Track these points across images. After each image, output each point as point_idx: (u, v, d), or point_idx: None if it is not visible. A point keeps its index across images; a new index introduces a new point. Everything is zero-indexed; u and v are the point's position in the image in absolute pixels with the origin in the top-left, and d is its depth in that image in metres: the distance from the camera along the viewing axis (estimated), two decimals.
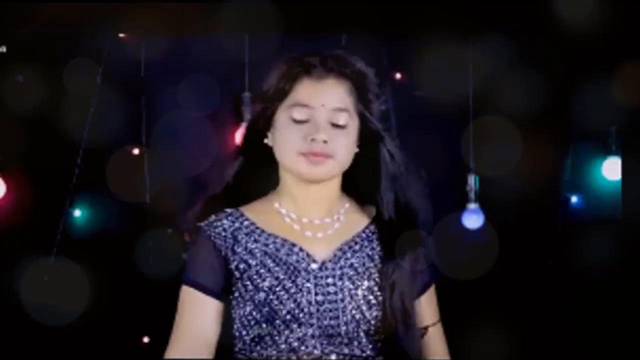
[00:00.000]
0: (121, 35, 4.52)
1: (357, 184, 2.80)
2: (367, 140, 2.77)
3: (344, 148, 2.69)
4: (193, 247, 2.70)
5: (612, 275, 3.83)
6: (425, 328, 2.76)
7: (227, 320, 2.75)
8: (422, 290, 2.79)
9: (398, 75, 4.61)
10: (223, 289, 2.70)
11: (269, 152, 2.74)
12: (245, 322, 2.70)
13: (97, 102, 4.54)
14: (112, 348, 4.54)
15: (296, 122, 2.69)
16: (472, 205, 4.56)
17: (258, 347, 2.70)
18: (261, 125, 2.76)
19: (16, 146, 4.51)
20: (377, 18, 4.08)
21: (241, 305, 2.70)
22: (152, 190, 4.59)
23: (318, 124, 2.68)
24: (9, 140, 4.52)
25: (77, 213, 4.68)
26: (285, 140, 2.69)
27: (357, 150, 2.76)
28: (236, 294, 2.71)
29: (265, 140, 2.72)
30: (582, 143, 4.59)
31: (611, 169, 4.51)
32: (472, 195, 4.55)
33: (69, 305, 4.40)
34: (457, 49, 4.44)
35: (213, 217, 2.72)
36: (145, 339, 4.68)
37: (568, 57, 4.22)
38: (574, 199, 4.66)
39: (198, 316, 2.69)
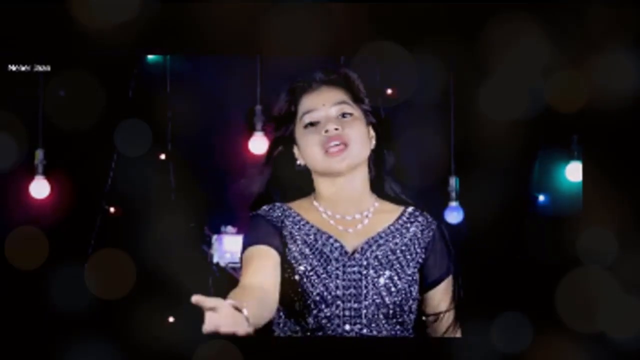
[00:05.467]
0: (150, 55, 4.55)
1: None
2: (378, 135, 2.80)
3: (357, 135, 2.73)
4: (251, 227, 2.74)
5: (573, 264, 3.74)
6: (437, 314, 2.79)
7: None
8: (440, 280, 2.81)
9: (389, 91, 4.62)
10: (280, 248, 2.73)
11: (300, 170, 2.81)
12: (283, 301, 2.73)
13: (128, 113, 4.54)
14: (142, 327, 4.50)
15: (309, 126, 2.74)
16: (453, 203, 4.60)
17: (291, 323, 2.74)
18: (284, 144, 2.81)
19: (59, 153, 4.53)
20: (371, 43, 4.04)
21: (280, 284, 2.73)
22: (177, 190, 4.58)
23: (327, 118, 2.73)
24: (53, 148, 4.54)
25: (112, 210, 4.65)
26: (307, 145, 2.74)
27: (373, 145, 2.79)
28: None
29: (298, 162, 2.78)
30: (549, 149, 4.58)
31: (573, 172, 4.54)
32: (453, 194, 4.59)
33: (105, 291, 4.38)
34: (440, 62, 4.45)
35: (265, 207, 2.79)
36: (171, 319, 4.64)
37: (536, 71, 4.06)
38: (541, 198, 4.64)
39: (263, 265, 2.69)
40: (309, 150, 2.75)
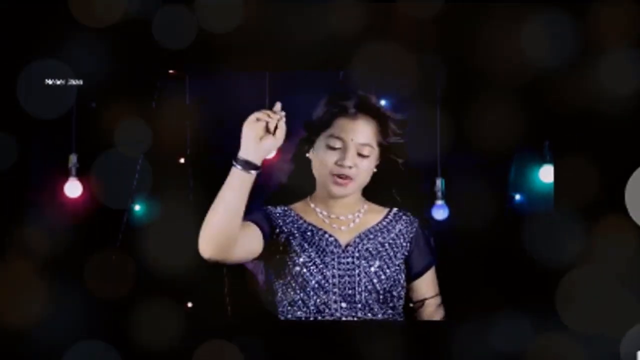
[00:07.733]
0: (171, 71, 4.63)
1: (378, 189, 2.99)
2: (385, 159, 2.97)
3: (365, 172, 2.93)
4: (249, 212, 2.85)
5: (546, 257, 3.58)
6: (422, 300, 2.94)
7: (270, 288, 2.97)
8: (424, 271, 3.00)
9: (383, 102, 4.57)
10: (267, 234, 2.88)
11: (308, 165, 2.93)
12: (285, 289, 2.92)
13: (152, 122, 4.64)
14: (161, 312, 4.24)
15: (331, 149, 2.90)
16: (439, 202, 4.71)
17: (293, 309, 2.91)
18: (307, 145, 2.96)
19: (90, 157, 4.60)
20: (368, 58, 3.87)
21: (282, 276, 2.92)
22: (194, 190, 4.66)
23: (347, 153, 2.90)
24: (85, 152, 4.66)
25: (137, 208, 4.74)
26: (322, 162, 2.91)
27: (375, 170, 2.93)
28: (279, 268, 2.94)
29: (307, 155, 2.93)
30: (524, 153, 4.63)
31: (546, 174, 4.59)
32: (439, 194, 4.70)
33: (131, 279, 4.45)
34: (429, 63, 4.24)
35: (270, 207, 2.95)
36: (189, 304, 4.70)
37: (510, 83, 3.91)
38: (517, 197, 4.70)
39: (245, 232, 2.79)
40: (319, 167, 2.93)
